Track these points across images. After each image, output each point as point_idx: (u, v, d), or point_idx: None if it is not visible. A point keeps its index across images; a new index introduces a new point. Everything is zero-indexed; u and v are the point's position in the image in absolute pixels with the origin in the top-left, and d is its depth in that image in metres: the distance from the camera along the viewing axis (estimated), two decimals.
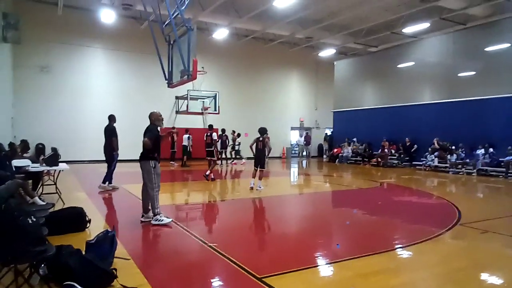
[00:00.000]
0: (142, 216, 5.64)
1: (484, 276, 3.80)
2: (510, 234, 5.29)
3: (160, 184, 5.59)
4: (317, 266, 3.90)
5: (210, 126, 12.19)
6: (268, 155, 9.35)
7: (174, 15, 9.25)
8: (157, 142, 5.51)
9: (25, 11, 15.37)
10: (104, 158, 8.94)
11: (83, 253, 3.40)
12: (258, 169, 9.17)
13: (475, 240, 5.02)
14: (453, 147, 15.04)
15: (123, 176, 10.61)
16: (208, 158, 11.40)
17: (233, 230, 5.74)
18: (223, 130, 17.05)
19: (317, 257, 4.24)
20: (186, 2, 8.81)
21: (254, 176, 9.26)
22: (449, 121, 15.82)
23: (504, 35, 14.31)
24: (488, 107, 14.49)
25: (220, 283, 3.52)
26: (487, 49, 14.77)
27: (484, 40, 14.94)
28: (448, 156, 14.98)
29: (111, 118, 8.87)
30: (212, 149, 11.28)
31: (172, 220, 5.57)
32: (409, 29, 16.97)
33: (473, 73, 15.36)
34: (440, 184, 12.01)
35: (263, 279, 3.37)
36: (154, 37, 10.41)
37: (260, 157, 9.13)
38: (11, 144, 9.08)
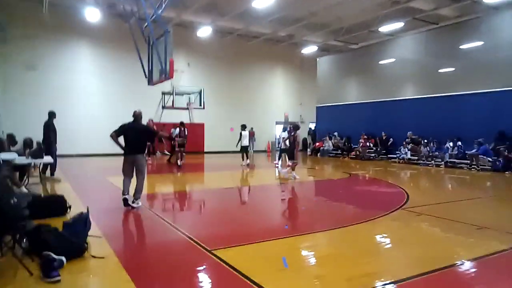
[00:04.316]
0: (125, 194, 6.22)
1: (399, 248, 4.54)
2: (439, 216, 6.07)
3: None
4: (261, 242, 4.57)
5: (182, 123, 13.66)
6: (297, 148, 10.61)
7: (153, 17, 9.84)
8: None
9: (10, 10, 15.68)
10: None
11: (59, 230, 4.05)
12: (291, 161, 10.35)
13: (406, 221, 5.78)
14: (425, 141, 15.90)
15: (108, 169, 11.17)
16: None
17: (199, 213, 6.42)
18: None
19: (263, 235, 4.93)
20: (163, 6, 9.40)
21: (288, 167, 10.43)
22: (422, 116, 16.65)
23: (473, 34, 15.11)
24: (460, 102, 15.31)
25: (177, 254, 4.21)
26: (460, 47, 15.56)
27: (456, 39, 15.72)
28: (421, 149, 15.84)
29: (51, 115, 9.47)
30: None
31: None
32: (384, 28, 17.70)
33: (446, 70, 16.16)
34: (405, 175, 12.85)
35: (213, 251, 4.07)
36: (134, 37, 10.98)
37: (293, 151, 10.23)
38: None
